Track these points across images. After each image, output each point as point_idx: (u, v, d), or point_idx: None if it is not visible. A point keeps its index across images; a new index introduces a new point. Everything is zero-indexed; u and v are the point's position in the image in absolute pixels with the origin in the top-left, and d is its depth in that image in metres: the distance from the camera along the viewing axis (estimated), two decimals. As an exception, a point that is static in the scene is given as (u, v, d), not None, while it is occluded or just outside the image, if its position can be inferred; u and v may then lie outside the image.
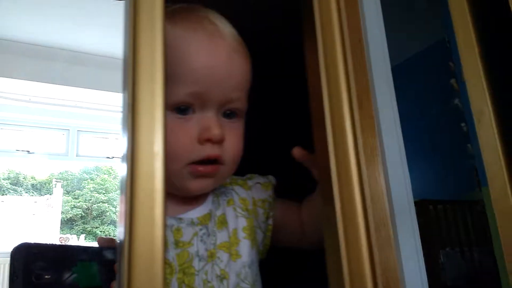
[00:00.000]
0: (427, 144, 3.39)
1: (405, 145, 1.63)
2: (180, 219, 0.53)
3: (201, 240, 0.53)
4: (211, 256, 0.53)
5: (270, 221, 0.60)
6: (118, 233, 0.27)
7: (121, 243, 0.25)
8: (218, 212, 0.57)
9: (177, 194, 0.55)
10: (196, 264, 0.51)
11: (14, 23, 2.90)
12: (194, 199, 0.57)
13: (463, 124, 2.95)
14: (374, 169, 1.47)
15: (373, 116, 1.60)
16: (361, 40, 1.64)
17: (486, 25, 0.47)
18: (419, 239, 1.54)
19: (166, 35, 0.26)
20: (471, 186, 3.02)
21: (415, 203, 1.70)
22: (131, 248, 0.24)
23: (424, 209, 2.67)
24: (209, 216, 0.56)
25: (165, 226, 0.25)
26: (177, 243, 0.51)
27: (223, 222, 0.56)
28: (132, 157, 0.25)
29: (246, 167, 0.60)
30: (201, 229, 0.54)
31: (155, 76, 0.27)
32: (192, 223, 0.54)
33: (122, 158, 0.26)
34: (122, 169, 0.26)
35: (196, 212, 0.56)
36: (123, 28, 0.28)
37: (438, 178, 3.32)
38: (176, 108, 0.52)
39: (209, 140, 0.52)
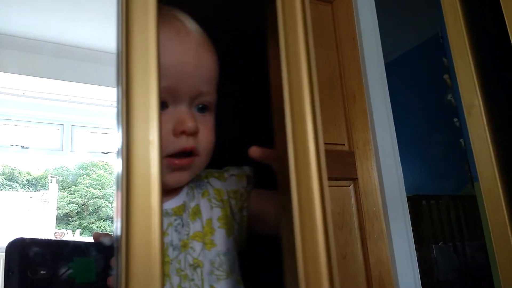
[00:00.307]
0: (420, 139, 3.41)
1: (398, 140, 1.65)
2: None
3: (176, 230, 0.55)
4: (184, 246, 0.54)
5: (245, 212, 0.61)
6: (115, 228, 0.27)
7: (118, 236, 0.25)
8: (192, 204, 0.59)
9: None
10: (170, 253, 0.53)
11: (8, 17, 2.87)
12: (169, 191, 0.59)
13: (456, 120, 2.97)
14: (367, 164, 1.48)
15: (367, 111, 1.61)
16: (355, 38, 1.64)
17: (477, 19, 0.47)
18: (412, 234, 1.56)
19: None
20: (464, 182, 3.05)
21: (409, 198, 1.72)
22: (128, 236, 0.24)
23: (417, 204, 2.69)
24: (183, 207, 0.57)
25: (162, 213, 0.25)
26: None
27: (196, 213, 0.58)
28: (127, 146, 0.25)
29: (224, 159, 0.61)
30: (175, 220, 0.56)
31: (149, 65, 0.27)
32: (166, 213, 0.56)
33: (117, 152, 0.26)
34: (117, 164, 0.26)
35: (171, 203, 0.57)
36: (115, 20, 0.28)
37: (431, 173, 3.34)
38: None
39: (183, 133, 0.54)
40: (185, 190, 0.60)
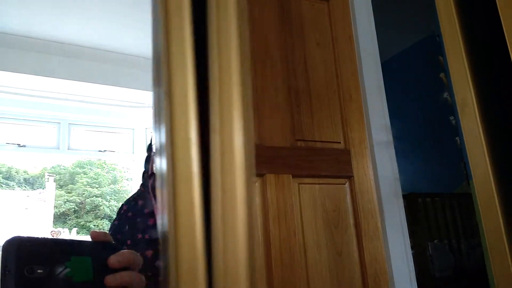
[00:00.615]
0: (416, 137, 3.42)
1: (394, 139, 1.66)
2: None
3: None
4: None
5: None
6: (159, 225, 0.27)
7: (165, 233, 0.25)
8: None
9: None
10: None
11: (5, 15, 2.86)
12: None
13: (451, 118, 2.98)
14: (363, 162, 1.48)
15: (363, 109, 1.61)
16: (351, 37, 1.64)
17: (471, 17, 0.47)
18: (407, 231, 1.57)
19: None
20: (459, 180, 3.06)
21: (404, 196, 1.73)
22: (176, 234, 0.24)
23: (412, 202, 2.70)
24: None
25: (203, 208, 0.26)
26: None
27: None
28: (171, 145, 0.26)
29: None
30: None
31: (186, 65, 0.27)
32: None
33: (158, 151, 0.27)
34: (160, 161, 0.27)
35: None
36: (150, 21, 0.29)
37: (427, 171, 3.35)
38: None
39: None
40: None
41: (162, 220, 0.26)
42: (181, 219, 0.25)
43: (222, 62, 0.29)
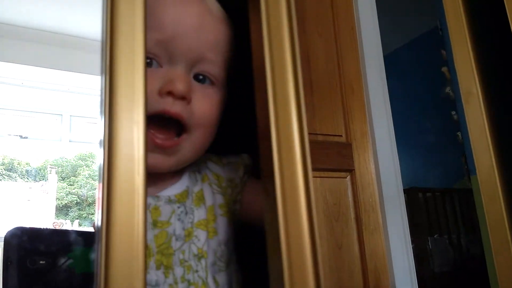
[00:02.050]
0: (417, 131, 3.41)
1: (396, 133, 1.65)
2: (158, 197, 0.50)
3: (179, 219, 0.50)
4: (188, 235, 0.50)
5: (237, 206, 0.56)
6: (96, 219, 0.26)
7: (99, 226, 0.23)
8: (196, 189, 0.54)
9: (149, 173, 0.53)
10: (173, 244, 0.49)
11: (7, 6, 2.85)
12: (170, 176, 0.53)
13: (453, 112, 2.97)
14: (364, 155, 1.48)
15: (364, 102, 1.60)
16: (353, 28, 1.63)
17: (477, 7, 0.47)
18: (408, 226, 1.57)
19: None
20: (460, 175, 3.06)
21: (405, 190, 1.73)
22: (109, 226, 0.22)
23: (413, 196, 2.70)
24: (186, 193, 0.53)
25: (146, 199, 0.24)
26: (155, 223, 0.49)
27: (200, 199, 0.53)
28: (110, 125, 0.24)
29: (219, 144, 0.57)
30: (179, 207, 0.51)
31: (134, 40, 0.26)
32: (169, 201, 0.51)
33: (100, 142, 0.25)
34: (99, 152, 0.25)
35: (174, 190, 0.52)
36: (101, 5, 0.27)
37: (428, 166, 3.35)
38: None
39: (170, 93, 0.46)
40: (187, 174, 0.55)
41: (97, 215, 0.25)
42: (118, 214, 0.23)
43: (274, 59, 0.28)
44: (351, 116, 1.40)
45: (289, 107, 0.28)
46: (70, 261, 0.50)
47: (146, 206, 0.24)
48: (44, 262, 0.49)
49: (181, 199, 0.52)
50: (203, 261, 0.50)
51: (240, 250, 0.56)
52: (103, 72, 0.25)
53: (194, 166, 0.56)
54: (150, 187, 0.52)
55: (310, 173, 0.27)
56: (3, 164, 3.82)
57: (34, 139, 3.78)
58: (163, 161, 0.49)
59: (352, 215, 1.32)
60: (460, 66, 0.45)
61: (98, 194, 0.24)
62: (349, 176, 1.35)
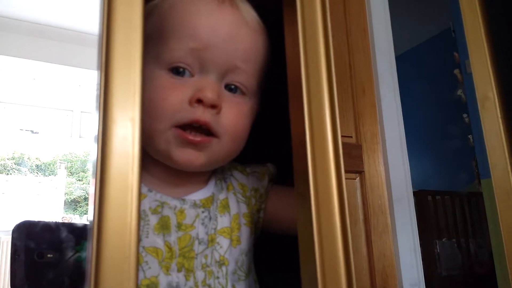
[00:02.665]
0: (428, 134, 3.38)
1: (406, 135, 1.64)
2: (184, 200, 0.51)
3: (202, 223, 0.51)
4: (211, 241, 0.51)
5: (261, 214, 0.58)
6: (89, 215, 0.25)
7: (91, 222, 0.23)
8: (221, 196, 0.55)
9: (178, 175, 0.53)
10: (196, 247, 0.50)
11: (21, 2, 2.88)
12: (198, 181, 0.54)
13: (465, 115, 2.94)
14: (374, 157, 1.47)
15: (375, 104, 1.59)
16: (365, 30, 1.62)
17: (494, 10, 0.46)
18: (416, 228, 1.56)
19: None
20: (471, 179, 3.02)
21: (414, 193, 1.71)
22: (101, 223, 0.22)
23: (422, 199, 2.68)
24: (211, 199, 0.53)
25: (140, 195, 0.24)
26: (179, 226, 0.49)
27: (225, 207, 0.54)
28: (104, 120, 0.24)
29: (245, 152, 0.58)
30: (203, 212, 0.52)
31: (131, 38, 0.25)
32: (195, 205, 0.52)
33: (95, 137, 0.25)
34: (94, 148, 0.25)
35: (199, 194, 0.53)
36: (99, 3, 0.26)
37: (438, 169, 3.32)
38: (173, 68, 0.48)
39: (199, 101, 0.47)
40: (213, 181, 0.56)
41: (89, 212, 0.24)
42: (111, 209, 0.23)
43: (309, 62, 0.28)
44: (361, 117, 1.39)
45: (324, 115, 0.28)
46: (78, 254, 0.50)
47: (139, 203, 0.24)
48: (51, 255, 0.49)
49: (206, 204, 0.53)
50: (224, 269, 0.51)
51: (257, 260, 0.56)
52: (99, 67, 0.25)
53: (220, 174, 0.57)
54: (178, 189, 0.53)
55: (343, 179, 0.27)
56: (13, 158, 3.86)
57: (44, 134, 3.82)
58: (196, 157, 0.49)
59: (361, 217, 1.32)
60: (476, 70, 0.44)
61: (90, 190, 0.23)
62: (358, 178, 1.34)
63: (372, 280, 1.28)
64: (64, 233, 0.51)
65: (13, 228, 0.49)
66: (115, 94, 0.24)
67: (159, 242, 0.48)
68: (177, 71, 0.48)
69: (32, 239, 0.49)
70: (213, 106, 0.47)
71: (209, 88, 0.47)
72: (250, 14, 0.52)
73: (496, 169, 0.43)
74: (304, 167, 0.27)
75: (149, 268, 0.47)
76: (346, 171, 1.39)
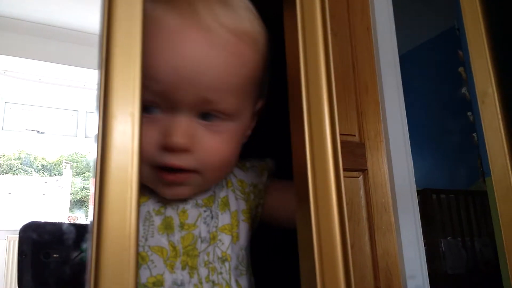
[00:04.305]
0: (432, 132, 3.37)
1: (410, 133, 1.64)
2: (185, 200, 0.52)
3: (204, 222, 0.52)
4: (213, 238, 0.52)
5: (260, 209, 0.58)
6: (89, 214, 0.25)
7: (91, 221, 0.24)
8: (221, 194, 0.55)
9: None
10: (199, 245, 0.51)
11: (27, 3, 2.90)
12: None
13: (469, 113, 2.93)
14: (377, 155, 1.47)
15: (379, 102, 1.59)
16: (369, 28, 1.62)
17: (494, 7, 0.46)
18: (420, 227, 1.56)
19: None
20: (475, 177, 3.01)
21: (418, 191, 1.71)
22: (101, 222, 0.23)
23: (427, 197, 2.67)
24: (212, 198, 0.54)
25: (139, 193, 0.24)
26: (182, 226, 0.51)
27: (225, 204, 0.55)
28: (104, 119, 0.24)
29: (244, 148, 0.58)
30: (205, 211, 0.53)
31: (131, 44, 0.25)
32: (196, 205, 0.52)
33: (95, 136, 0.25)
34: (94, 147, 0.25)
35: (201, 194, 0.54)
36: (100, 1, 0.26)
37: (442, 167, 3.31)
38: (144, 106, 0.45)
39: (166, 149, 0.45)
40: None
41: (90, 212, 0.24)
42: (111, 206, 0.23)
43: (309, 60, 0.28)
44: (365, 115, 1.39)
45: (323, 113, 0.28)
46: (83, 254, 0.50)
47: (139, 202, 0.24)
48: (57, 255, 0.50)
49: (208, 203, 0.54)
50: (226, 264, 0.52)
51: (253, 254, 0.57)
52: (99, 66, 0.25)
53: None
54: None
55: (342, 177, 0.28)
56: (19, 158, 3.89)
57: (50, 134, 3.84)
58: (182, 191, 0.50)
59: (364, 215, 1.32)
60: (476, 66, 0.44)
61: (91, 189, 0.24)
62: (361, 176, 1.34)
63: (376, 278, 1.28)
64: (69, 233, 0.52)
65: (20, 228, 0.50)
66: (115, 89, 0.25)
67: (163, 241, 0.49)
68: (145, 108, 0.44)
69: (38, 240, 0.49)
70: (183, 150, 0.45)
71: (178, 130, 0.45)
72: (228, 27, 0.46)
73: (496, 164, 0.43)
74: (303, 165, 0.27)
75: (155, 266, 0.48)
76: (349, 170, 1.39)
